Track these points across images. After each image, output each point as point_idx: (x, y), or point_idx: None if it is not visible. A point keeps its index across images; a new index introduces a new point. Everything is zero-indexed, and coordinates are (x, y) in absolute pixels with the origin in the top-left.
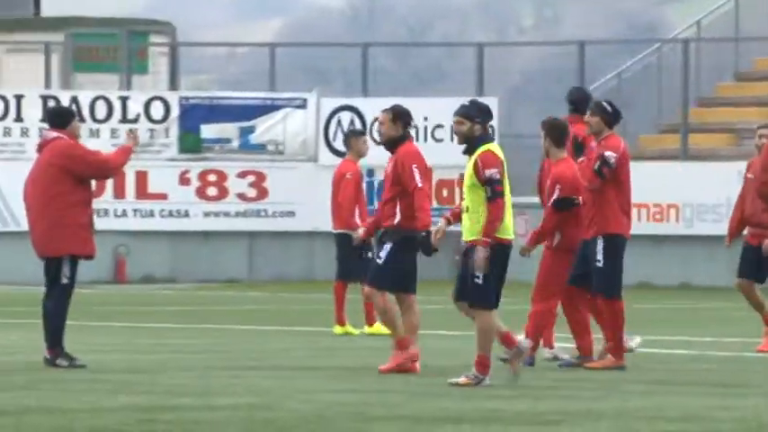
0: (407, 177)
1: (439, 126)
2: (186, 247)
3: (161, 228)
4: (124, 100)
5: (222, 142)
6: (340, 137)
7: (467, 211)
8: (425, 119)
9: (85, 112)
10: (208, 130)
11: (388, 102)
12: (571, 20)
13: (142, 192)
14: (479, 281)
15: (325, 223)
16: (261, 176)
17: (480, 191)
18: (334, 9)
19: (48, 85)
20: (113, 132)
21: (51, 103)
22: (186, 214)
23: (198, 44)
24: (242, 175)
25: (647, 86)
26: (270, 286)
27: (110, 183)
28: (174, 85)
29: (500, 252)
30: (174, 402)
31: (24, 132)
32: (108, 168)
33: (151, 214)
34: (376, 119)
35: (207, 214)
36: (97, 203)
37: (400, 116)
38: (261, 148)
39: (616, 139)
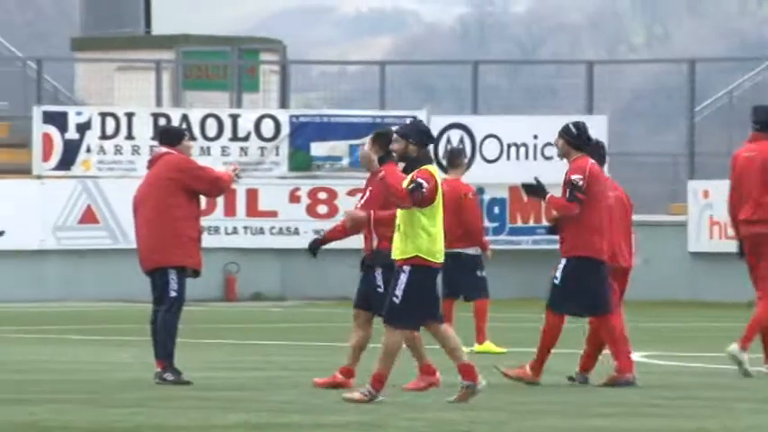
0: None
1: (548, 144)
2: (296, 265)
3: (271, 245)
4: (235, 118)
5: (332, 160)
6: None
7: (398, 230)
8: (535, 137)
9: (196, 130)
10: (318, 148)
11: (499, 120)
12: (681, 37)
13: (252, 209)
14: (397, 300)
15: None
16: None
17: (414, 212)
18: (444, 27)
19: (158, 103)
20: (224, 150)
21: (162, 122)
22: (296, 232)
23: (308, 62)
24: (352, 192)
25: (759, 104)
26: None
27: (220, 200)
28: (284, 103)
29: (429, 275)
30: (284, 420)
31: (135, 150)
32: (218, 184)
33: (261, 232)
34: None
35: (317, 232)
36: (208, 221)
37: (378, 138)
38: None
39: (583, 160)
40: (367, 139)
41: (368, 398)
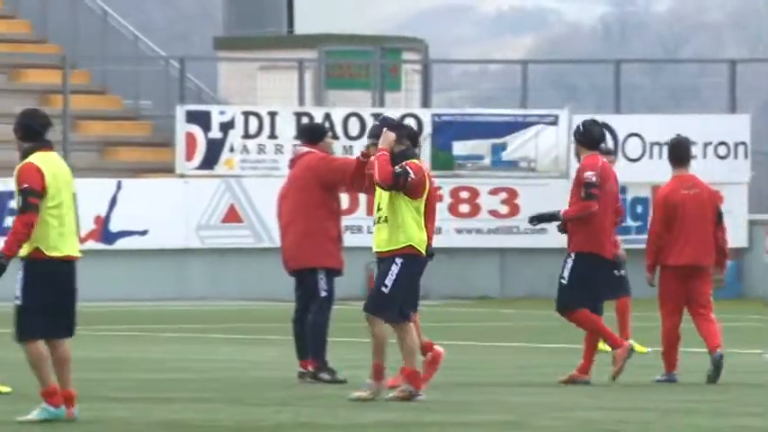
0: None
1: (692, 143)
2: (437, 264)
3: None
4: (377, 117)
5: (474, 159)
6: None
7: (383, 221)
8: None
9: (338, 129)
10: (460, 147)
11: (641, 118)
12: None
13: None
14: (386, 290)
15: None
16: (513, 193)
17: (401, 199)
18: (585, 26)
19: (301, 102)
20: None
21: (305, 120)
22: (438, 231)
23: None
24: (494, 191)
25: None
26: (521, 303)
27: (363, 199)
28: (426, 101)
29: (419, 265)
30: (428, 419)
31: (278, 149)
32: (347, 168)
33: None
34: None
35: (459, 231)
36: (350, 220)
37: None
38: (513, 164)
39: (593, 157)
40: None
41: (372, 393)
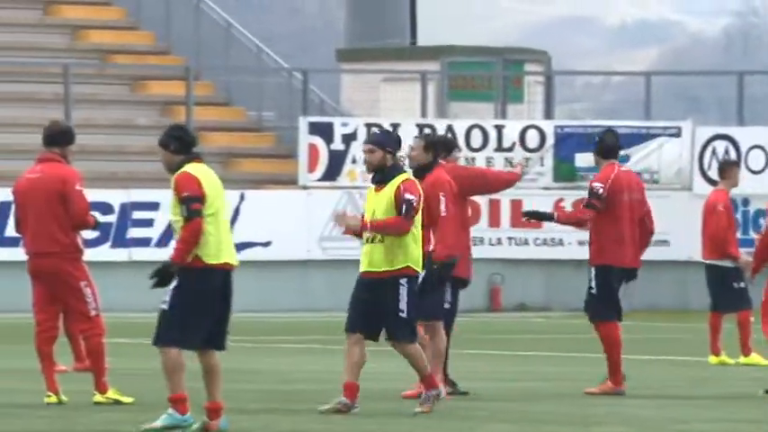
0: (434, 206)
1: None
2: (560, 276)
3: (535, 256)
4: (499, 129)
5: (596, 171)
6: (714, 166)
7: (379, 241)
8: None
9: (461, 141)
10: (582, 159)
11: (765, 130)
12: None
13: (517, 220)
14: (404, 315)
15: (699, 253)
16: None
17: (395, 212)
18: (708, 37)
19: (424, 113)
20: (489, 161)
21: (427, 132)
22: (560, 243)
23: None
24: None
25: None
26: (643, 315)
27: (485, 210)
28: (549, 113)
29: (416, 282)
30: (545, 430)
31: (401, 161)
32: (502, 179)
33: (526, 242)
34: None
35: (581, 243)
36: (473, 231)
37: (433, 145)
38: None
39: (608, 169)
40: (416, 142)
41: (431, 404)
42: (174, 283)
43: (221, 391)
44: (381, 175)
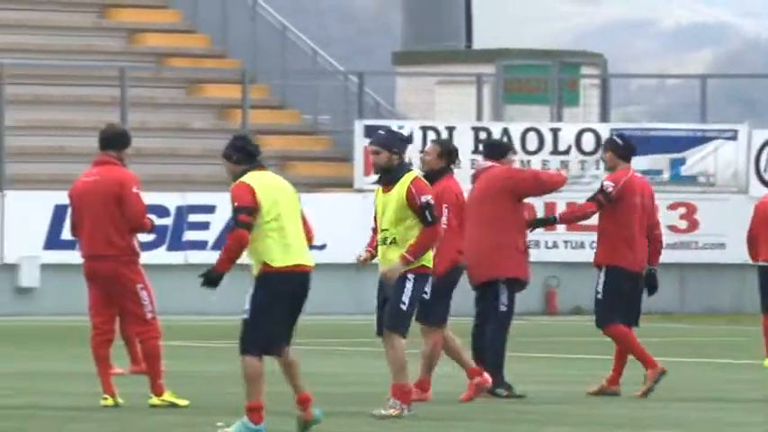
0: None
1: None
2: None
3: (591, 259)
4: (555, 132)
5: (653, 174)
6: None
7: (393, 242)
8: None
9: (516, 144)
10: (638, 162)
11: None
12: None
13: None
14: (404, 307)
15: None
16: (692, 208)
17: (411, 219)
18: (764, 40)
19: (479, 116)
20: (544, 164)
21: (483, 136)
22: None
23: (629, 76)
24: (672, 206)
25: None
26: (700, 318)
27: (540, 213)
28: (604, 116)
29: (427, 282)
30: None
31: (456, 164)
32: (539, 177)
33: (581, 246)
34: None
35: None
36: (529, 235)
37: (448, 153)
38: (691, 179)
39: (623, 171)
40: (431, 147)
41: (399, 412)
42: (250, 291)
43: (301, 380)
44: (389, 175)
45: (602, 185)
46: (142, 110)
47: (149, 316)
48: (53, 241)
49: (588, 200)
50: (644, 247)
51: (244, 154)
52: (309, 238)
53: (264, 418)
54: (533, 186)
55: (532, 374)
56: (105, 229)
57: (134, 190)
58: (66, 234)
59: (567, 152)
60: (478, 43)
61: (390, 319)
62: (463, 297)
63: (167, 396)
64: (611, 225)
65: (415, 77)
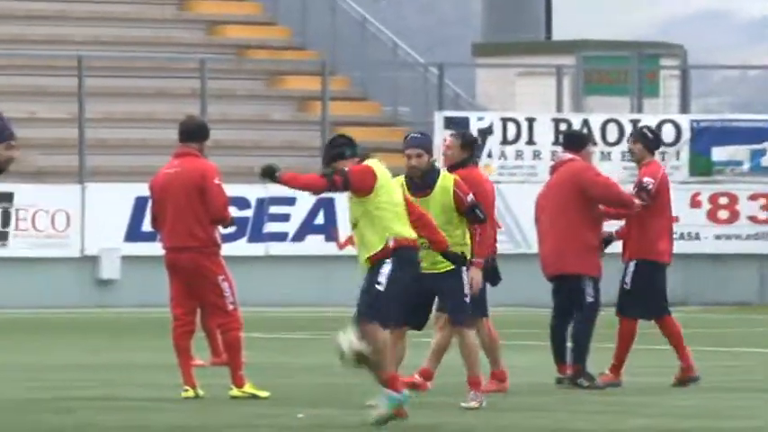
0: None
1: None
2: (697, 270)
3: (674, 250)
4: (635, 123)
5: (733, 165)
6: None
7: (426, 247)
8: None
9: (597, 135)
10: (719, 153)
11: None
12: None
13: None
14: (467, 300)
15: None
16: None
17: (452, 214)
18: None
19: (559, 108)
20: (624, 155)
21: (563, 127)
22: (697, 237)
23: (709, 67)
24: (753, 197)
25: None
26: None
27: None
28: (684, 107)
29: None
30: (685, 425)
31: (536, 155)
32: (619, 199)
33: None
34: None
35: (718, 237)
36: (614, 226)
37: (470, 145)
38: None
39: (656, 164)
40: (453, 141)
41: (479, 403)
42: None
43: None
44: (424, 179)
45: (641, 182)
46: (222, 102)
47: (230, 307)
48: (134, 233)
49: (633, 194)
50: (673, 239)
51: (353, 146)
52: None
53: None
54: (601, 195)
55: (608, 365)
56: (187, 221)
57: (216, 181)
58: (147, 226)
59: None
60: (558, 34)
61: (458, 315)
62: None
63: (248, 388)
64: (647, 218)
65: (495, 69)
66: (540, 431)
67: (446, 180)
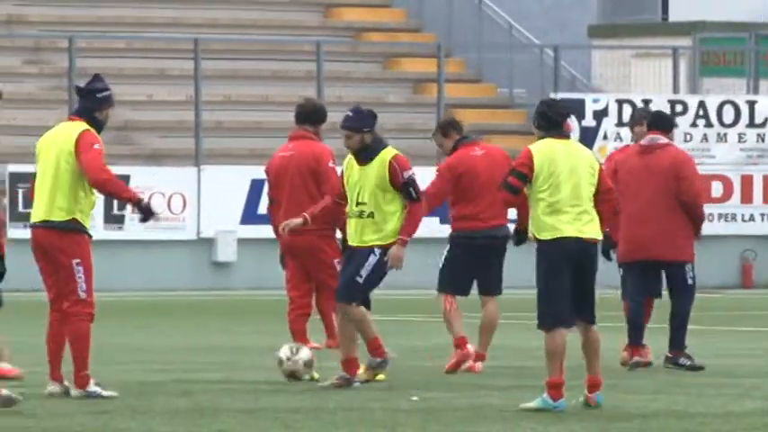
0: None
1: None
2: None
3: None
4: (752, 104)
5: None
6: None
7: (369, 216)
8: None
9: (712, 117)
10: None
11: None
12: None
13: None
14: (360, 280)
15: None
16: None
17: (390, 194)
18: None
19: (675, 89)
20: (740, 137)
21: (678, 108)
22: None
23: None
24: None
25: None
26: None
27: (737, 187)
28: None
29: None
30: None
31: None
32: (689, 198)
33: None
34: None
35: None
36: (724, 208)
37: (446, 128)
38: None
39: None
40: (437, 138)
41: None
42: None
43: (598, 365)
44: (364, 153)
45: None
46: (338, 84)
47: None
48: (250, 216)
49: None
50: None
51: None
52: None
53: (565, 395)
54: (685, 190)
55: (728, 348)
56: (302, 204)
57: (330, 164)
58: (263, 208)
59: (763, 125)
60: (674, 16)
61: (342, 290)
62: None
63: (362, 371)
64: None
65: (611, 50)
66: (655, 414)
67: (386, 154)
